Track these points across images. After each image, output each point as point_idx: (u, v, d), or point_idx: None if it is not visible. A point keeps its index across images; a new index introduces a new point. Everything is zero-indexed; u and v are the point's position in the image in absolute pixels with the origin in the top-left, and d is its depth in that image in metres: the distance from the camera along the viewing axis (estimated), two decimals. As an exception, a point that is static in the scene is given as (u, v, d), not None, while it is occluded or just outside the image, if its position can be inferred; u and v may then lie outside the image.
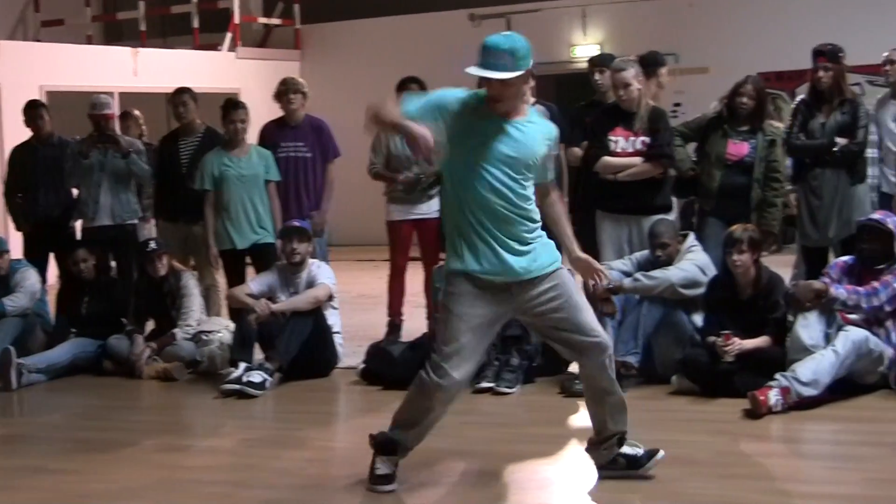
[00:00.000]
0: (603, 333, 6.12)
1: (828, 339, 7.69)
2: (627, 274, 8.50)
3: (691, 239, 8.68)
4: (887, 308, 7.84)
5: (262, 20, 20.58)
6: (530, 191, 5.98)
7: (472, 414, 7.99)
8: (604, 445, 6.28)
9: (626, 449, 6.26)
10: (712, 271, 8.42)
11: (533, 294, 5.97)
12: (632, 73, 8.90)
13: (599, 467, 6.30)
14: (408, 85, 10.12)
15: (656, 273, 8.35)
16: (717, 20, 18.24)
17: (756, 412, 7.31)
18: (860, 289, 7.85)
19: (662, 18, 18.46)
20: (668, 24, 18.30)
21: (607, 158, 8.96)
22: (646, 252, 8.66)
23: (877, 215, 8.14)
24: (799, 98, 9.67)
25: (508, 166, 5.87)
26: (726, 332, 7.83)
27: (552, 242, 6.11)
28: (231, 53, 19.23)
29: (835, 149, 8.98)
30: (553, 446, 7.03)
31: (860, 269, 8.07)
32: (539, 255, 5.97)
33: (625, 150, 8.94)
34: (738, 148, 9.02)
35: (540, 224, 6.04)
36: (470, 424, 7.72)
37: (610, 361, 6.15)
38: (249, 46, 19.79)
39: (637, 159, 8.90)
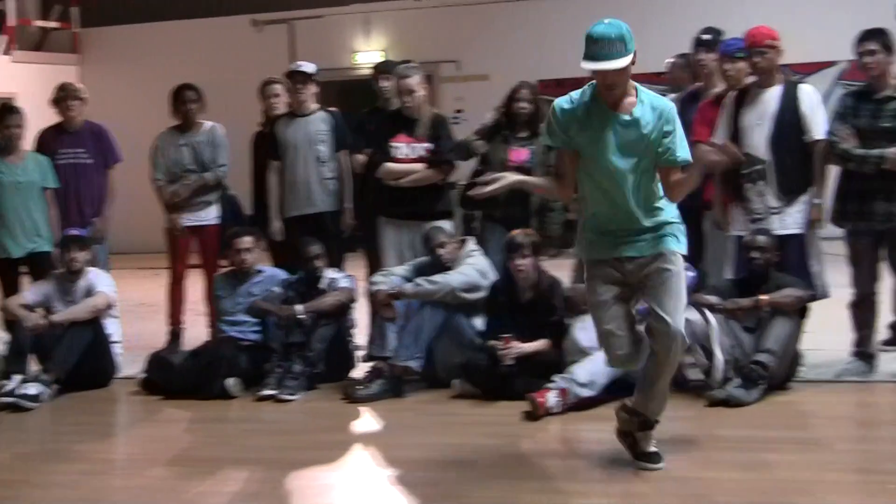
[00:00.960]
0: (674, 324, 6.06)
1: (604, 340, 7.82)
2: (408, 279, 8.54)
3: (471, 244, 8.77)
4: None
5: (39, 23, 20.01)
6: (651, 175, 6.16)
7: (255, 422, 7.97)
8: (630, 416, 6.43)
9: (641, 436, 6.41)
10: (492, 275, 8.51)
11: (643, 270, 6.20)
12: (416, 80, 8.96)
13: (616, 431, 6.52)
14: (183, 92, 10.04)
15: (437, 278, 8.41)
16: (498, 28, 18.46)
17: (535, 414, 7.40)
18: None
19: (444, 26, 18.63)
20: (450, 32, 18.48)
21: (390, 164, 9.00)
22: (426, 258, 8.71)
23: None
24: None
25: (625, 153, 6.07)
26: (506, 335, 7.92)
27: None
28: (6, 57, 18.71)
29: None
30: (335, 452, 7.01)
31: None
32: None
33: (407, 156, 9.00)
34: (518, 154, 9.15)
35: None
36: (252, 432, 7.70)
37: (672, 354, 6.15)
38: (26, 50, 19.29)
39: (419, 165, 8.97)
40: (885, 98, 8.03)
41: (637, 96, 6.12)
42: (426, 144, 8.99)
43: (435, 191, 9.06)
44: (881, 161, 7.88)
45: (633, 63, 5.96)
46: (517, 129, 9.18)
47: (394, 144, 9.02)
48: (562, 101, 6.21)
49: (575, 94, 6.20)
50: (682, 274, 6.20)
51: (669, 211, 6.22)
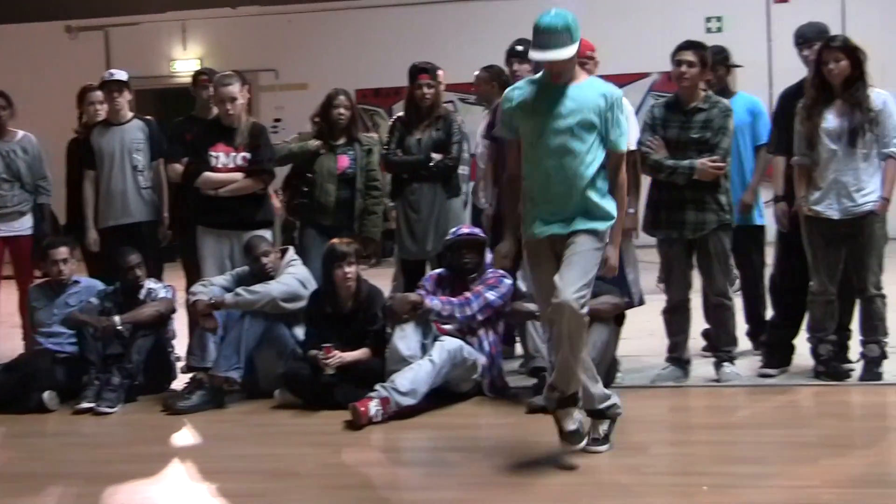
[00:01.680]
0: (562, 295, 6.20)
1: (424, 349, 7.88)
2: (228, 289, 8.50)
3: (291, 253, 8.76)
4: (479, 317, 8.10)
5: None
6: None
7: (73, 435, 7.86)
8: (549, 393, 6.52)
9: (561, 415, 6.46)
10: (313, 285, 8.51)
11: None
12: (237, 88, 8.92)
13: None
14: None
15: (257, 288, 8.37)
16: (316, 37, 18.50)
17: (357, 423, 7.41)
18: (453, 300, 8.08)
19: (262, 34, 18.60)
20: (268, 40, 18.45)
21: (208, 174, 8.94)
22: (247, 267, 8.67)
23: (465, 229, 8.41)
24: (396, 115, 9.89)
25: (568, 132, 6.37)
26: (327, 344, 7.93)
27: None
28: None
29: (431, 164, 9.20)
30: (155, 465, 6.92)
31: (453, 280, 8.33)
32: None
33: (226, 165, 8.95)
34: (340, 161, 9.19)
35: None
36: (70, 446, 7.60)
37: (563, 325, 6.25)
38: None
39: (238, 175, 8.93)
40: (693, 109, 8.21)
41: (586, 81, 6.51)
42: (245, 154, 8.96)
43: (254, 200, 9.03)
44: (691, 171, 8.06)
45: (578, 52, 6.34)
46: (336, 137, 9.21)
47: (212, 153, 8.97)
48: (511, 89, 6.66)
49: (524, 80, 6.66)
50: (592, 253, 6.39)
51: (605, 200, 6.46)
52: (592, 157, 6.40)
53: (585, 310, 6.28)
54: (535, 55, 6.32)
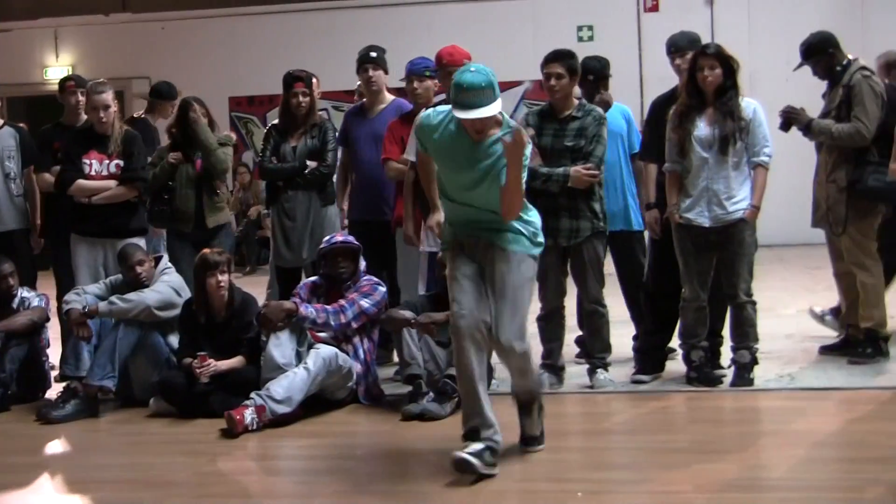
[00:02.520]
0: (504, 338, 6.37)
1: (299, 357, 7.87)
2: (102, 298, 8.42)
3: (165, 261, 8.72)
4: (354, 325, 8.12)
5: None
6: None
7: (-58, 446, 7.74)
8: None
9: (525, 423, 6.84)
10: (187, 293, 8.47)
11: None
12: (110, 96, 8.87)
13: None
14: None
15: (131, 296, 8.31)
16: (189, 44, 18.42)
17: (233, 431, 7.39)
18: (328, 307, 8.09)
19: (135, 41, 18.46)
20: (141, 47, 18.31)
21: (81, 181, 8.87)
22: (120, 276, 8.61)
23: (339, 237, 8.42)
24: (271, 123, 9.89)
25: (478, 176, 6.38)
26: (202, 353, 7.90)
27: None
28: None
29: (306, 171, 9.20)
30: (29, 475, 6.85)
31: (328, 288, 8.33)
32: None
33: (99, 172, 8.89)
34: (198, 164, 9.23)
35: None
36: (-61, 457, 7.48)
37: (511, 364, 6.60)
38: None
39: (111, 182, 8.87)
40: (567, 118, 8.29)
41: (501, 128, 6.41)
42: (118, 161, 8.91)
43: (128, 208, 8.98)
44: (565, 179, 8.14)
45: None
46: (194, 144, 9.32)
47: (85, 161, 8.90)
48: (427, 118, 6.56)
49: (441, 111, 6.54)
50: (527, 284, 6.52)
51: (529, 213, 6.59)
52: None
53: (527, 342, 6.50)
54: (460, 115, 6.23)
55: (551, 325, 8.51)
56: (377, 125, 9.35)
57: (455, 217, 6.61)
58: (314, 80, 9.48)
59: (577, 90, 8.52)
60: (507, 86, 17.40)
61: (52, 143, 9.45)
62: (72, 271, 9.22)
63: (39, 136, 9.69)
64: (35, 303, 8.72)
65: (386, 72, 9.44)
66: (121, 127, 9.05)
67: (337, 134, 9.48)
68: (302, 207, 9.24)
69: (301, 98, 9.20)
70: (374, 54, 9.36)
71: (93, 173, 8.90)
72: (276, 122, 9.62)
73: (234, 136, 9.88)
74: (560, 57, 8.30)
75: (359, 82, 9.82)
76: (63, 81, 10.04)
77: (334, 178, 9.49)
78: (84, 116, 9.37)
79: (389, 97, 9.50)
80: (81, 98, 9.45)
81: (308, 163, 9.15)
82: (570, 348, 8.90)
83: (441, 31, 16.61)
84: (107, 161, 8.92)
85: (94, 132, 8.96)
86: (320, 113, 9.75)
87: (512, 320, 6.35)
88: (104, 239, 8.92)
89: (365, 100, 9.62)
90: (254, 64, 17.80)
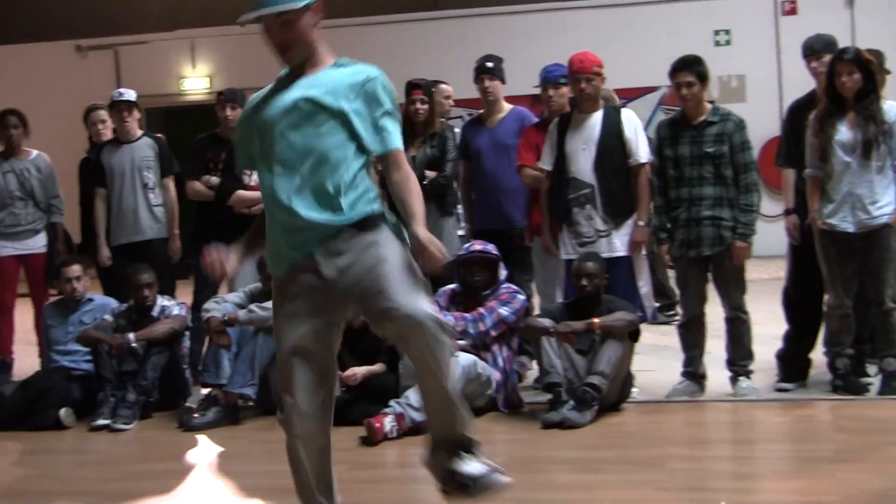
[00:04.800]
0: (406, 307, 4.61)
1: (439, 365, 7.86)
2: (241, 306, 8.49)
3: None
4: (493, 333, 8.10)
5: None
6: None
7: (88, 453, 7.90)
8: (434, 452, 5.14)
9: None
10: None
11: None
12: None
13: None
14: (5, 118, 9.88)
15: (269, 304, 8.35)
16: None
17: (372, 439, 7.40)
18: (467, 315, 8.08)
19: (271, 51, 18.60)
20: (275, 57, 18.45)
21: (242, 192, 8.96)
22: (259, 284, 8.67)
23: (477, 246, 8.38)
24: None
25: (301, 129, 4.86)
26: (346, 373, 7.91)
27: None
28: None
29: (424, 182, 9.19)
30: (170, 482, 6.90)
31: (466, 296, 8.31)
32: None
33: (259, 184, 8.94)
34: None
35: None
36: (85, 464, 7.64)
37: (425, 347, 4.68)
38: None
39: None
40: (703, 123, 8.21)
41: (336, 63, 4.97)
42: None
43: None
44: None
45: (316, 17, 4.89)
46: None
47: (245, 172, 8.98)
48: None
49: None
50: (389, 249, 4.80)
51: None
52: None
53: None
54: (242, 18, 4.84)
55: (692, 332, 8.43)
56: (498, 135, 9.33)
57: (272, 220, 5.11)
58: (445, 87, 9.46)
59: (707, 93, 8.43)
60: (642, 91, 17.37)
61: (205, 152, 9.54)
62: (210, 281, 9.33)
63: (194, 145, 9.76)
64: (175, 311, 8.82)
65: (503, 81, 9.39)
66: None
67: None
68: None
69: (419, 105, 9.17)
70: (489, 64, 9.32)
71: (252, 184, 8.98)
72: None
73: None
74: (688, 64, 8.23)
75: None
76: (218, 95, 10.14)
77: (455, 187, 9.47)
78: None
79: (508, 106, 9.44)
80: (230, 112, 9.46)
81: (427, 173, 9.13)
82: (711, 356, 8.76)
83: (574, 36, 16.55)
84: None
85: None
86: (443, 121, 9.70)
87: (403, 291, 4.65)
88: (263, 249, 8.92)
89: (483, 111, 9.57)
90: (392, 72, 17.83)
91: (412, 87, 9.25)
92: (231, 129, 9.52)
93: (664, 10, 18.38)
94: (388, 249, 4.77)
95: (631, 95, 16.54)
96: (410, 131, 9.22)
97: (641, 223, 8.47)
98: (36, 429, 8.26)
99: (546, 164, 8.71)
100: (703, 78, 8.21)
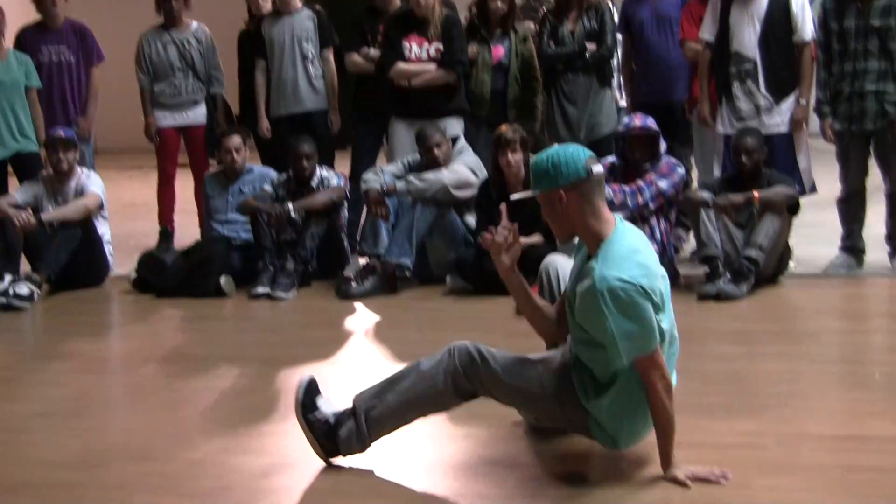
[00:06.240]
0: None
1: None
2: (399, 177, 8.54)
3: (461, 141, 8.77)
4: (651, 206, 8.05)
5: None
6: None
7: (248, 319, 8.03)
8: None
9: None
10: (483, 173, 8.52)
11: None
12: None
13: None
14: None
15: (428, 175, 8.41)
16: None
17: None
18: (626, 188, 8.03)
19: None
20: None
21: (402, 65, 8.98)
22: (417, 156, 8.70)
23: (637, 121, 8.29)
24: (545, 6, 9.85)
25: None
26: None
27: None
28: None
29: (586, 55, 9.13)
30: (328, 348, 7.01)
31: (624, 169, 8.26)
32: None
33: (418, 56, 8.96)
34: (496, 51, 9.17)
35: None
36: (245, 330, 7.80)
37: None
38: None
39: (431, 66, 8.94)
40: None
41: None
42: (437, 45, 8.97)
43: (447, 90, 9.03)
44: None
45: None
46: (492, 28, 9.25)
47: (405, 44, 9.00)
48: None
49: None
50: None
51: None
52: None
53: None
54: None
55: (852, 206, 8.33)
56: (661, 7, 9.31)
57: None
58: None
59: None
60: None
61: (364, 24, 9.53)
62: (368, 152, 9.42)
63: (352, 18, 9.76)
64: (333, 182, 8.89)
65: None
66: (441, 10, 9.06)
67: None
68: (581, 90, 9.20)
69: None
70: None
71: (412, 57, 8.98)
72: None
73: (532, 24, 9.78)
74: None
75: None
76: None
77: (614, 62, 9.39)
78: (398, 1, 9.43)
79: None
80: None
81: (588, 45, 9.05)
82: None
83: None
84: (426, 45, 8.97)
85: (414, 16, 9.00)
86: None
87: None
88: (423, 120, 8.93)
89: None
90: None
91: None
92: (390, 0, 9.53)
93: None
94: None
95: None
96: (566, 5, 9.15)
97: (803, 101, 8.35)
98: (197, 296, 8.43)
99: (707, 34, 8.58)
100: None
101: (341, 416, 4.79)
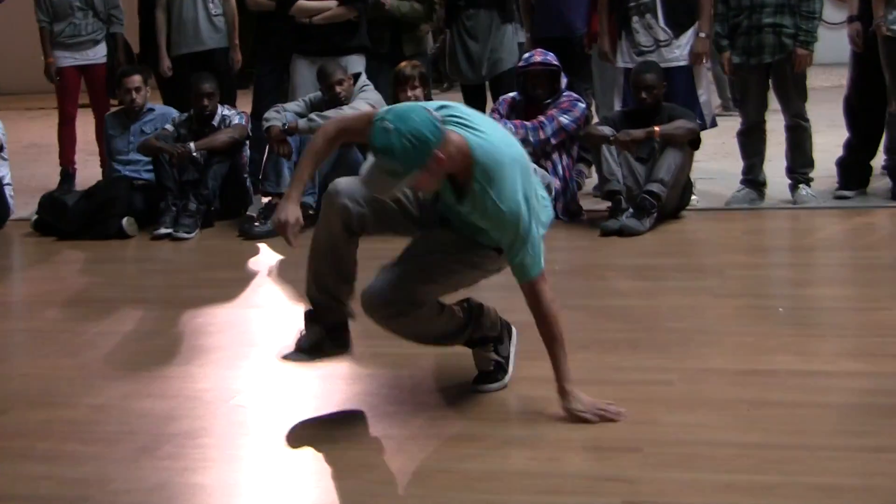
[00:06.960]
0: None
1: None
2: (301, 115, 8.50)
3: (363, 79, 8.74)
4: (553, 141, 8.10)
5: None
6: None
7: (151, 261, 7.98)
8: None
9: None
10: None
11: None
12: None
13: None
14: None
15: (330, 113, 8.35)
16: None
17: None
18: (527, 123, 8.07)
19: None
20: None
21: (303, 2, 8.94)
22: (319, 93, 8.66)
23: (538, 57, 8.30)
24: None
25: None
26: None
27: None
28: None
29: None
30: (233, 289, 6.99)
31: (526, 104, 8.28)
32: None
33: None
34: None
35: None
36: (148, 272, 7.73)
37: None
38: None
39: (332, 3, 8.92)
40: None
41: None
42: (338, -18, 8.95)
43: (348, 27, 9.00)
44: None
45: None
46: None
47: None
48: None
49: None
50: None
51: None
52: None
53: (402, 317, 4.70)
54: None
55: (752, 140, 8.41)
56: None
57: None
58: None
59: None
60: None
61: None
62: (271, 90, 9.36)
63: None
64: (235, 120, 8.84)
65: None
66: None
67: None
68: (483, 26, 9.21)
69: None
70: None
71: (315, -6, 8.97)
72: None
73: None
74: None
75: None
76: None
77: None
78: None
79: None
80: None
81: None
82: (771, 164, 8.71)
83: None
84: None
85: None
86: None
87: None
88: (325, 58, 8.88)
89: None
90: None
91: None
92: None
93: None
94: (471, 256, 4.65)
95: None
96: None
97: (703, 34, 8.39)
98: (99, 238, 8.37)
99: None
100: None
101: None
